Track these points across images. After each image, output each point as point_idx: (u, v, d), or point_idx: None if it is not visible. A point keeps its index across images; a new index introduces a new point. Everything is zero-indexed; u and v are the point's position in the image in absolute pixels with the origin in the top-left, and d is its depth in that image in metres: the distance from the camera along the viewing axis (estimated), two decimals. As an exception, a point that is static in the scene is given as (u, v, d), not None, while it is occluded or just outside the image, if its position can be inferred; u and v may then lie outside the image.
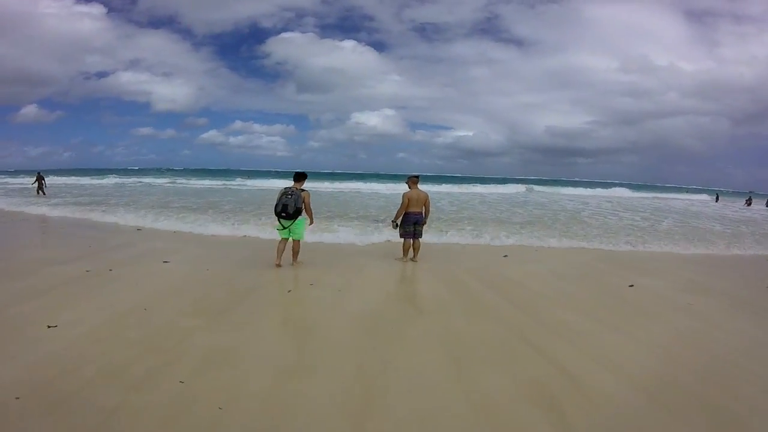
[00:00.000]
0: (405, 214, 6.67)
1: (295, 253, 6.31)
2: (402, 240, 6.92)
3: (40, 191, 18.86)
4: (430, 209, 6.95)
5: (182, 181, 36.13)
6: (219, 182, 35.17)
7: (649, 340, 3.84)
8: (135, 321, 3.95)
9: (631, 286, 5.70)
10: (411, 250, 6.91)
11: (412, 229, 6.72)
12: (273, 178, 36.46)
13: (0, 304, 4.27)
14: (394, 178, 47.46)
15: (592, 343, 3.71)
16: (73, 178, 35.80)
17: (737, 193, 67.27)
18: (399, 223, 6.77)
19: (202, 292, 4.95)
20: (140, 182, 34.04)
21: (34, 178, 19.45)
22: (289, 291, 5.25)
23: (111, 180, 34.78)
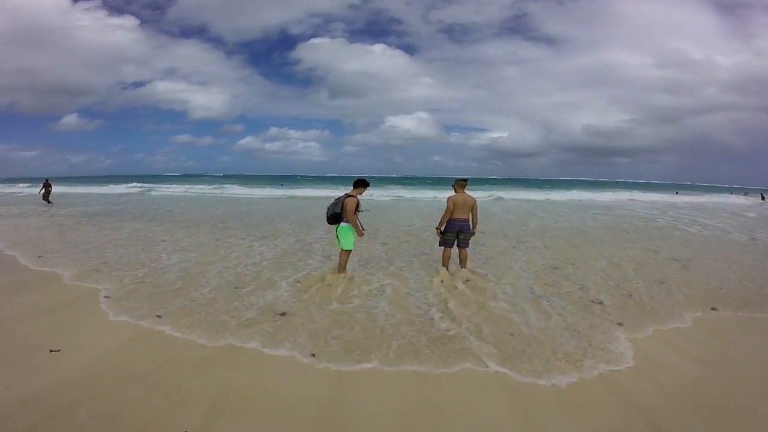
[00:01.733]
0: (449, 220, 5.88)
1: (341, 264, 5.67)
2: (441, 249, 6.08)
3: (46, 199, 18.06)
4: (479, 217, 6.11)
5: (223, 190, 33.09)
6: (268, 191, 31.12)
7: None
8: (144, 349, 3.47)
9: None
10: (452, 263, 6.03)
11: (454, 237, 5.92)
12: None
13: None
14: (434, 183, 45.71)
15: None
16: (109, 186, 34.40)
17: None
18: (443, 230, 5.93)
19: (225, 306, 4.44)
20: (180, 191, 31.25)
21: (41, 186, 18.82)
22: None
23: (132, 188, 32.55)
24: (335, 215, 5.50)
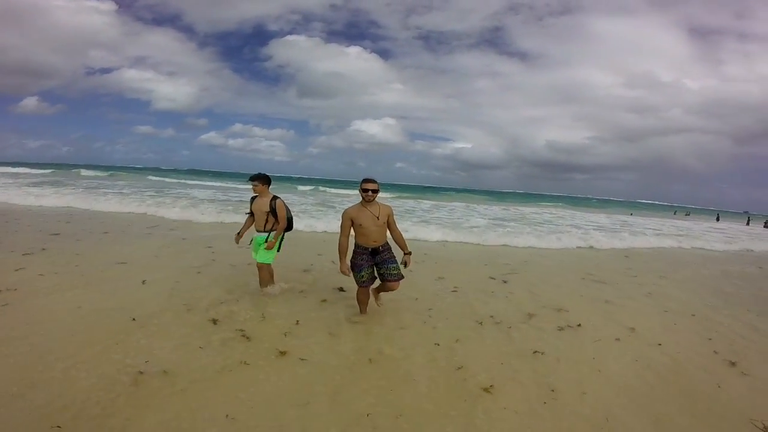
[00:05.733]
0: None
1: (263, 280, 4.77)
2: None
3: None
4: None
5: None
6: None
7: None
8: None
9: None
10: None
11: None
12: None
13: None
14: (395, 189, 46.99)
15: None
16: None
17: (735, 214, 67.30)
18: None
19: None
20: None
21: None
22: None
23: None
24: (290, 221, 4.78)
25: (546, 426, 2.56)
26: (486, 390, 2.92)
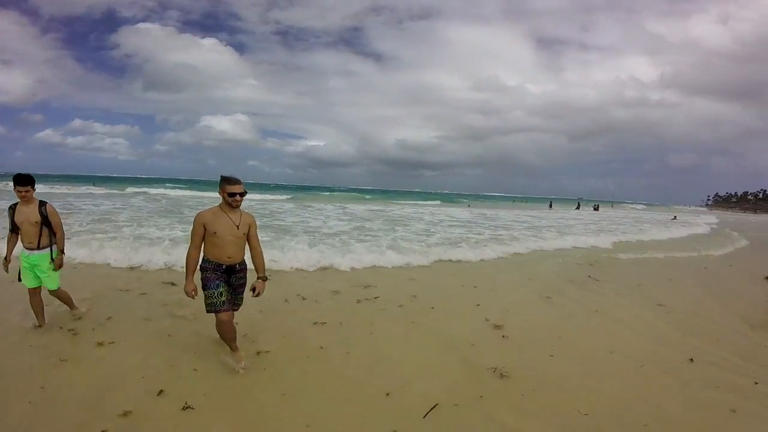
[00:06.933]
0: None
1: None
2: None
3: None
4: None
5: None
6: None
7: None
8: None
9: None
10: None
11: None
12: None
13: None
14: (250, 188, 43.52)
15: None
16: None
17: (568, 200, 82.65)
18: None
19: None
20: None
21: None
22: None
23: None
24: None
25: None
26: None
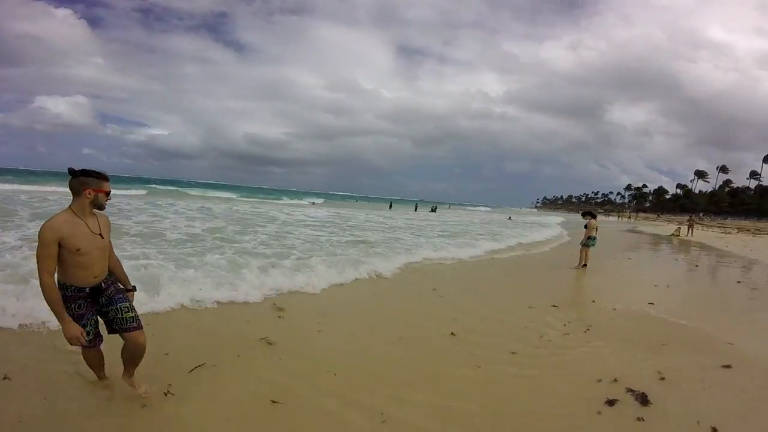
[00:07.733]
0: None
1: None
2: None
3: None
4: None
5: None
6: None
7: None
8: None
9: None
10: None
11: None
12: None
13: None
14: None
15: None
16: None
17: (408, 201, 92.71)
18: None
19: None
20: None
21: None
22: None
23: None
24: None
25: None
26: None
